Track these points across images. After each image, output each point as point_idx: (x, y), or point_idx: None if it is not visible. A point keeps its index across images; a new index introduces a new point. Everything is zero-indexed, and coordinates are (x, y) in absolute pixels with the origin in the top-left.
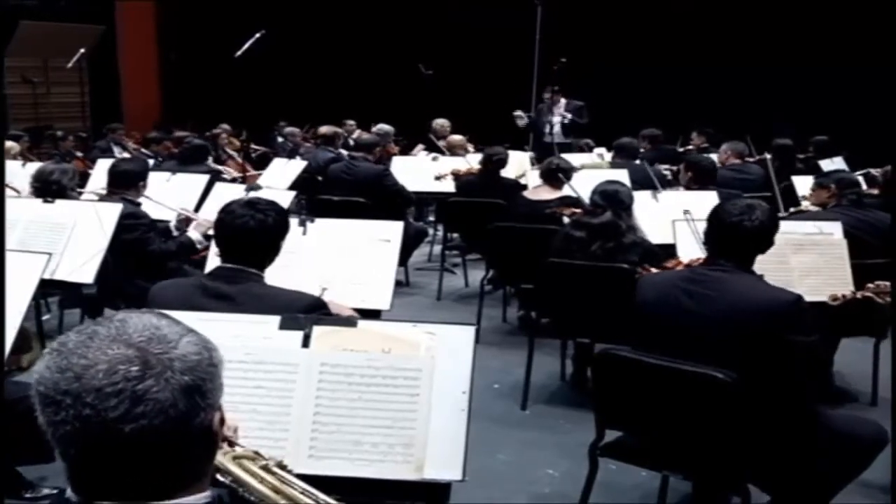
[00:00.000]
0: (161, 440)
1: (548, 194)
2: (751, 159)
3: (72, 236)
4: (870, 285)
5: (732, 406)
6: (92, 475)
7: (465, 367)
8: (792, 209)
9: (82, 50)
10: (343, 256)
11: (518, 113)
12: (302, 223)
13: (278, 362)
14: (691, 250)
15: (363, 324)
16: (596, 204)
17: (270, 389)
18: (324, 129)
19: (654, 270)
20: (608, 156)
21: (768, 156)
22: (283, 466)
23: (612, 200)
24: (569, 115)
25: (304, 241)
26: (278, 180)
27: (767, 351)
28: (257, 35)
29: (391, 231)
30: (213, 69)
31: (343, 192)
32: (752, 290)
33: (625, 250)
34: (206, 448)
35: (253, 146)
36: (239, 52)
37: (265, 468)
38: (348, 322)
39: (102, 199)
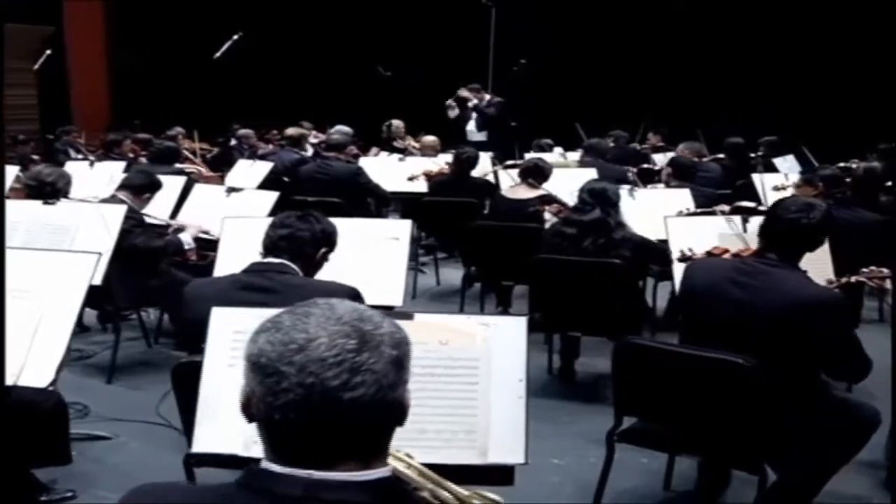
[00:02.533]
0: (372, 409)
1: (526, 193)
2: (706, 158)
3: (76, 238)
4: (864, 270)
5: (755, 390)
6: (307, 441)
7: (520, 355)
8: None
9: (49, 52)
10: (354, 255)
11: (450, 102)
12: None
13: None
14: (686, 244)
15: (419, 317)
16: (585, 201)
17: None
18: (290, 131)
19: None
20: (570, 155)
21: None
22: (409, 455)
23: (601, 198)
24: (491, 108)
25: None
26: (244, 182)
27: (804, 342)
28: (235, 37)
29: (400, 229)
30: (163, 70)
31: (317, 192)
32: (799, 287)
33: (616, 245)
34: (398, 421)
35: (207, 147)
36: (218, 54)
37: (398, 455)
38: (405, 315)
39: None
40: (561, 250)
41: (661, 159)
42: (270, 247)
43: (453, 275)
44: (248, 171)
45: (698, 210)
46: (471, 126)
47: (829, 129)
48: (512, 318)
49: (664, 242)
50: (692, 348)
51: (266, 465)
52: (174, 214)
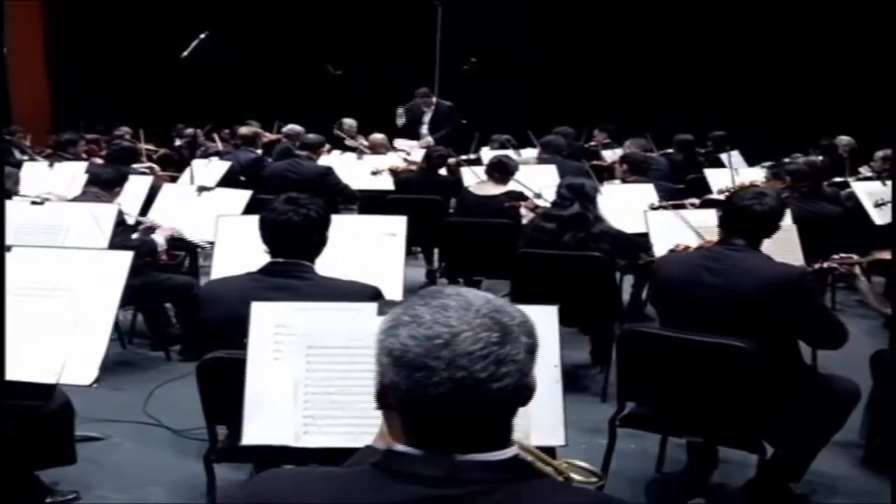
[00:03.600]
0: (515, 397)
1: (494, 189)
2: (653, 154)
3: (67, 238)
4: (835, 257)
5: (755, 372)
6: (451, 428)
7: (553, 342)
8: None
9: (5, 49)
10: (351, 251)
11: (400, 111)
12: None
13: None
14: (665, 238)
15: None
16: (564, 197)
17: None
18: (244, 130)
19: None
20: (525, 152)
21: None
22: None
23: (579, 193)
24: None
25: None
26: (200, 181)
27: (779, 319)
28: (202, 36)
29: (396, 225)
30: (103, 70)
31: (284, 191)
32: (764, 266)
33: (595, 239)
34: (527, 402)
35: (152, 147)
36: (185, 53)
37: None
38: None
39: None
40: (541, 244)
41: (609, 156)
42: (280, 244)
43: (414, 273)
44: (205, 171)
45: (669, 203)
46: (423, 129)
47: (770, 125)
48: (542, 307)
49: (640, 236)
50: (695, 334)
51: (402, 448)
52: (142, 215)
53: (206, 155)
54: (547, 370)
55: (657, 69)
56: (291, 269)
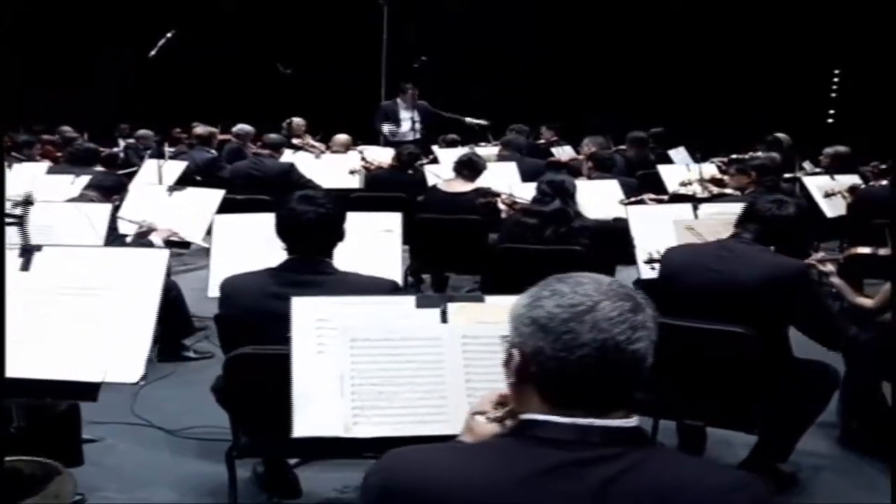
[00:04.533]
0: (643, 362)
1: (462, 186)
2: (608, 150)
3: (59, 238)
4: (816, 254)
5: (754, 358)
6: (591, 391)
7: None
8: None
9: None
10: (349, 249)
11: (385, 128)
12: None
13: (423, 337)
14: (645, 231)
15: (489, 299)
16: (545, 193)
17: (421, 363)
18: (199, 130)
19: None
20: (480, 150)
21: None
22: None
23: (560, 189)
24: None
25: None
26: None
27: (775, 309)
28: (168, 35)
29: (391, 222)
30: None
31: (247, 190)
32: (766, 258)
33: (576, 234)
34: (645, 374)
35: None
36: (153, 52)
37: None
38: (476, 298)
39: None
40: (522, 240)
41: (559, 153)
42: (299, 242)
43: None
44: (160, 171)
45: (635, 199)
46: (403, 128)
47: (712, 122)
48: None
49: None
50: (696, 321)
51: (538, 416)
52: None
53: (158, 155)
54: None
55: (593, 68)
56: (312, 266)
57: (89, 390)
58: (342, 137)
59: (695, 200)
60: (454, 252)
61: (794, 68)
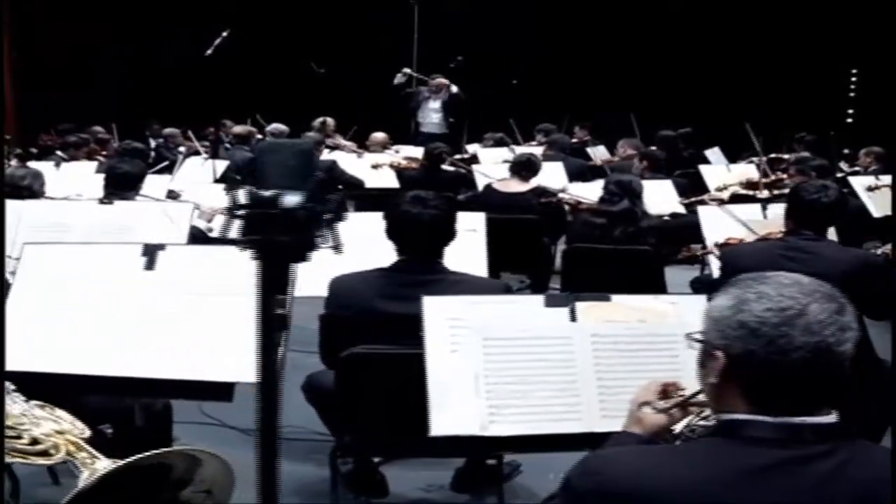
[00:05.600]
0: (849, 360)
1: (519, 186)
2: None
3: (141, 238)
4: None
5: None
6: (801, 391)
7: None
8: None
9: None
10: None
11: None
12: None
13: (553, 336)
14: (715, 231)
15: (615, 298)
16: (613, 193)
17: (554, 361)
18: (238, 129)
19: None
20: (519, 150)
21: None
22: None
23: (627, 189)
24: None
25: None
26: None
27: (860, 302)
28: (224, 34)
29: (475, 221)
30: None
31: None
32: (842, 252)
33: (645, 234)
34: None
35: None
36: (209, 51)
37: None
38: (602, 297)
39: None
40: (591, 239)
41: (593, 153)
42: (411, 242)
43: None
44: (201, 170)
45: (697, 199)
46: (429, 118)
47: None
48: (693, 296)
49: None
50: None
51: (746, 416)
52: None
53: (188, 155)
54: None
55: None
56: (425, 266)
57: (224, 390)
58: (379, 136)
59: (762, 201)
60: (511, 251)
61: (812, 68)
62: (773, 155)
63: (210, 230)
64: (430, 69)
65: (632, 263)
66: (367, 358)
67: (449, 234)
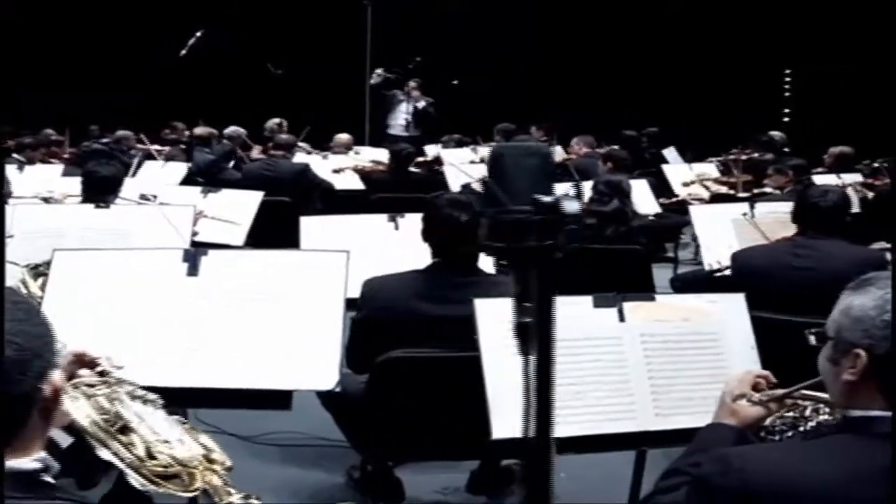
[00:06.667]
0: None
1: None
2: (601, 150)
3: (137, 242)
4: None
5: None
6: None
7: (746, 327)
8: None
9: None
10: None
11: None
12: (392, 219)
13: (604, 336)
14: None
15: (660, 298)
16: (603, 193)
17: (606, 361)
18: (199, 130)
19: None
20: (482, 150)
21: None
22: None
23: (617, 189)
24: (423, 102)
25: (397, 236)
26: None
27: None
28: (198, 34)
29: None
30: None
31: (261, 191)
32: (849, 248)
33: (636, 233)
34: None
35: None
36: (183, 51)
37: None
38: (647, 297)
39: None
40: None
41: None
42: (449, 244)
43: None
44: (161, 173)
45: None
46: (397, 120)
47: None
48: (732, 294)
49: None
50: (790, 316)
51: (880, 413)
52: None
53: (144, 158)
54: (746, 353)
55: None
56: (463, 268)
57: (282, 398)
58: (344, 137)
59: (747, 200)
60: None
61: (747, 69)
62: (732, 156)
63: (195, 233)
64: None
65: (624, 262)
66: (410, 362)
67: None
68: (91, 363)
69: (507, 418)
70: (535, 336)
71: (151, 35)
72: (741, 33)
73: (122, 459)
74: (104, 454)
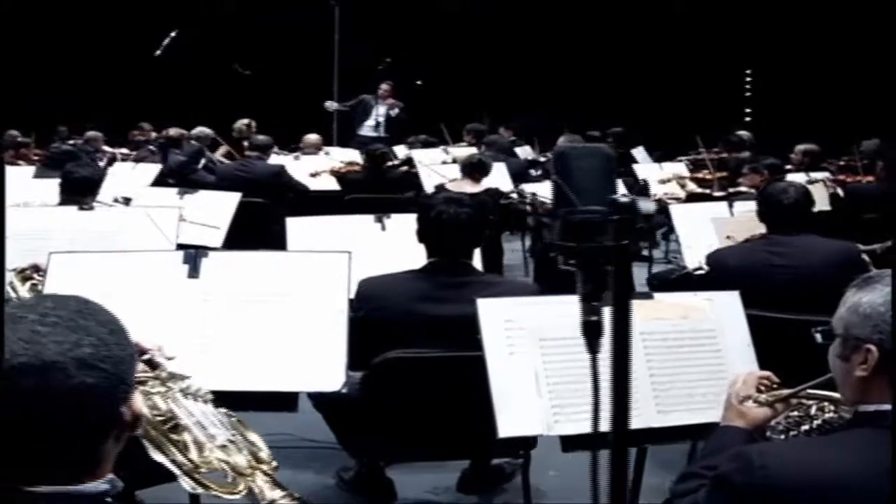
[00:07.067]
0: None
1: (472, 187)
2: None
3: (124, 244)
4: None
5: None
6: None
7: (742, 324)
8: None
9: None
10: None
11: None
12: (379, 220)
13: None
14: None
15: (657, 296)
16: None
17: (607, 359)
18: (172, 131)
19: None
20: (453, 150)
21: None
22: None
23: None
24: (396, 110)
25: (385, 236)
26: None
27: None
28: (172, 34)
29: None
30: None
31: (237, 192)
32: (825, 242)
33: None
34: None
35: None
36: (158, 52)
37: None
38: (646, 296)
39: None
40: None
41: (520, 152)
42: (446, 244)
43: None
44: (132, 175)
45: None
46: (369, 122)
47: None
48: (726, 292)
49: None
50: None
51: (888, 407)
52: None
53: (110, 162)
54: (743, 349)
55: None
56: (459, 268)
57: (288, 400)
58: (313, 137)
59: (725, 198)
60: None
61: (708, 69)
62: (702, 155)
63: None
64: (355, 72)
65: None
66: (409, 362)
67: (481, 234)
68: (141, 353)
69: (512, 417)
70: (611, 334)
71: (117, 35)
72: (702, 34)
73: (176, 463)
74: (158, 457)
